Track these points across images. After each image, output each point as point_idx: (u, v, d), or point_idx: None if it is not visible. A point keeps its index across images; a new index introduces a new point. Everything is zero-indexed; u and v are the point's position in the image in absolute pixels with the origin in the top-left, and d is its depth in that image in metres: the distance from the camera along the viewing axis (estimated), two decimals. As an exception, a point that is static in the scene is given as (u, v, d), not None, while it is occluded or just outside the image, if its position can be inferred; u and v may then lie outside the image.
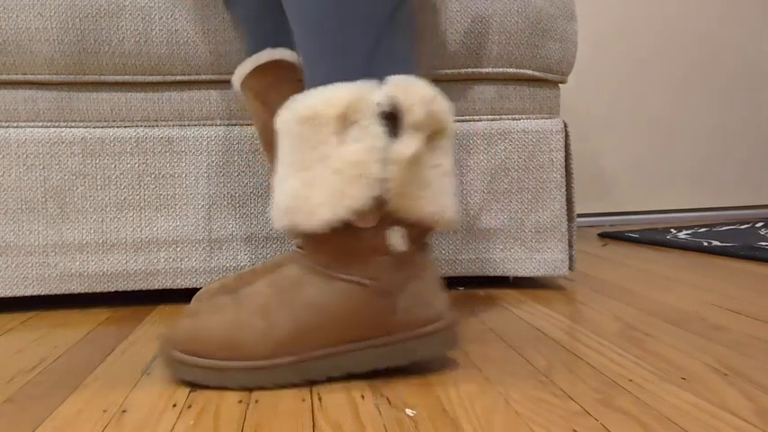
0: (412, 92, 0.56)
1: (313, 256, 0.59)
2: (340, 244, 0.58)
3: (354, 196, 0.55)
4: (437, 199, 0.58)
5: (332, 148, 0.55)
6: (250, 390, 0.58)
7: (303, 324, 0.57)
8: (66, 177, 0.89)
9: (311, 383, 0.59)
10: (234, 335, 0.58)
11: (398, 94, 0.56)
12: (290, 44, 0.80)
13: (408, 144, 0.56)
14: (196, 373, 0.58)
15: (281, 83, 0.78)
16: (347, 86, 0.55)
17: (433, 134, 0.58)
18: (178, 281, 0.91)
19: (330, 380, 0.60)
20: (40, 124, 0.89)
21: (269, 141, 0.80)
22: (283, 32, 0.79)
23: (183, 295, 0.94)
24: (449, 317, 0.61)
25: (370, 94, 0.56)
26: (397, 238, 0.58)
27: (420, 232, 0.60)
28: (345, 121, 0.55)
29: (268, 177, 0.92)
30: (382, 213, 0.57)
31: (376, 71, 0.57)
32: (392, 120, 0.56)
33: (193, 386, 0.59)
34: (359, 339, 0.59)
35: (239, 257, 0.92)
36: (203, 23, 0.88)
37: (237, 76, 0.81)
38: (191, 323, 0.60)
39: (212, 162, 0.91)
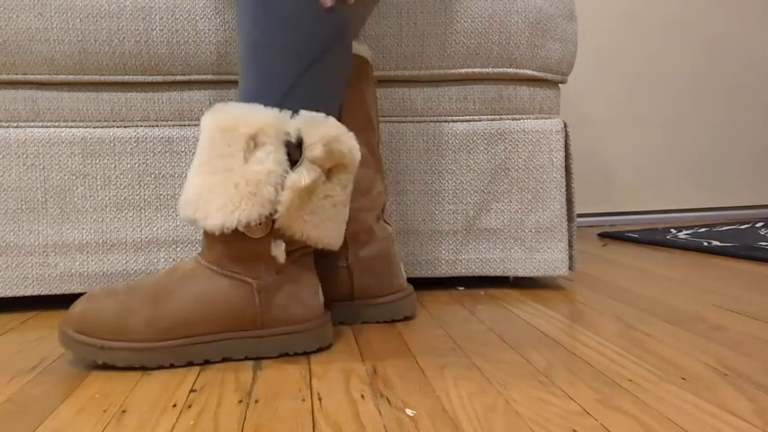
0: (317, 130, 0.63)
1: (206, 253, 0.67)
2: (229, 246, 0.65)
3: (246, 210, 0.62)
4: (322, 225, 0.66)
5: (237, 163, 0.62)
6: (135, 368, 0.64)
7: (187, 312, 0.64)
8: (66, 177, 0.89)
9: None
10: (121, 319, 0.64)
11: (304, 129, 0.63)
12: None
13: (304, 175, 0.63)
14: (84, 350, 0.64)
15: None
16: (265, 111, 0.63)
17: (333, 168, 0.66)
18: (178, 281, 0.91)
19: (330, 380, 0.60)
20: (40, 124, 0.89)
21: None
22: None
23: (183, 295, 0.94)
24: (321, 318, 0.69)
25: (282, 123, 0.63)
26: (279, 250, 0.66)
27: (302, 248, 0.68)
28: (255, 141, 0.63)
29: None
30: (270, 229, 0.65)
31: (294, 102, 0.65)
32: (298, 150, 0.64)
33: (84, 362, 0.66)
34: (237, 329, 0.66)
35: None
36: (203, 23, 0.88)
37: None
38: (86, 305, 0.65)
39: (212, 162, 0.91)
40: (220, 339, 0.66)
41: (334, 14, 0.66)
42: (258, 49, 0.65)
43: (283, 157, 0.63)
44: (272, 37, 0.65)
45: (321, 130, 0.63)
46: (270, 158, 0.62)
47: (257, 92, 0.65)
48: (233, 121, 0.62)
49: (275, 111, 0.63)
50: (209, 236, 0.66)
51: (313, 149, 0.63)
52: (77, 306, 0.65)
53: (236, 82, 0.92)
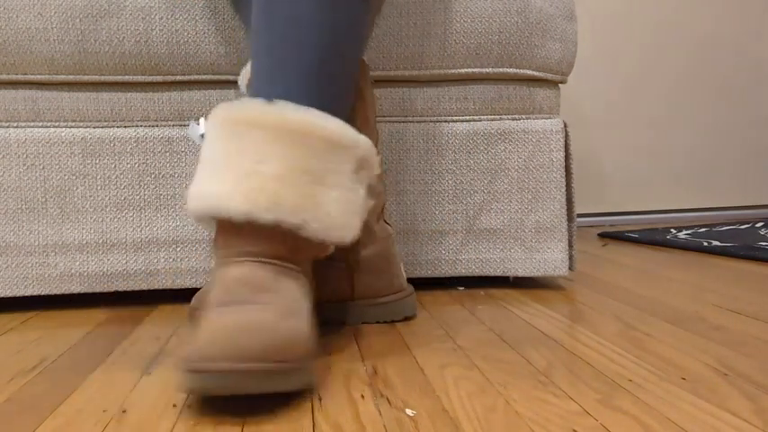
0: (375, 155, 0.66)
1: (265, 250, 0.61)
2: (299, 247, 0.62)
3: (355, 231, 0.63)
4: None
5: (354, 184, 0.63)
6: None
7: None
8: (67, 177, 0.89)
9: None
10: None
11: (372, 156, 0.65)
12: None
13: (369, 201, 0.66)
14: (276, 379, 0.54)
15: None
16: (365, 139, 0.64)
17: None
18: (178, 281, 0.91)
19: (330, 380, 0.60)
20: (40, 124, 0.89)
21: None
22: None
23: (183, 295, 0.94)
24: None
25: (372, 150, 0.65)
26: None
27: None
28: (360, 166, 0.64)
29: None
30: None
31: (327, 103, 0.65)
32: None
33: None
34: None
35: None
36: (203, 23, 0.88)
37: (243, 77, 0.81)
38: (223, 335, 0.53)
39: (212, 162, 0.91)
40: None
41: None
42: (301, 50, 0.64)
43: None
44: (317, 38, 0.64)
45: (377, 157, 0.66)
46: (363, 181, 0.64)
47: (291, 93, 0.63)
48: (348, 141, 0.62)
49: (368, 140, 0.64)
50: (277, 233, 0.60)
51: (375, 176, 0.66)
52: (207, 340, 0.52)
53: (235, 82, 0.92)
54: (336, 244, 0.62)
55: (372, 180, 0.67)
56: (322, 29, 0.64)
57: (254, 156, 0.59)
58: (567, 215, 0.99)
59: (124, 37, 0.87)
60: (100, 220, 0.90)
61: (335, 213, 0.61)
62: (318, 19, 0.63)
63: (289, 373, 0.53)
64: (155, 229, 0.91)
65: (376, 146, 0.83)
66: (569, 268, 0.98)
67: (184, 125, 0.92)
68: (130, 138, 0.90)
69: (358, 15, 0.67)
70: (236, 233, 0.60)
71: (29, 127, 0.89)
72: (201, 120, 0.69)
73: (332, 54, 0.65)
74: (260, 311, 0.54)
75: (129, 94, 0.90)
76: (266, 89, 0.63)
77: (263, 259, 0.60)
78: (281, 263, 0.61)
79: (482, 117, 0.96)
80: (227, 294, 0.56)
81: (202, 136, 0.67)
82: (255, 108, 0.60)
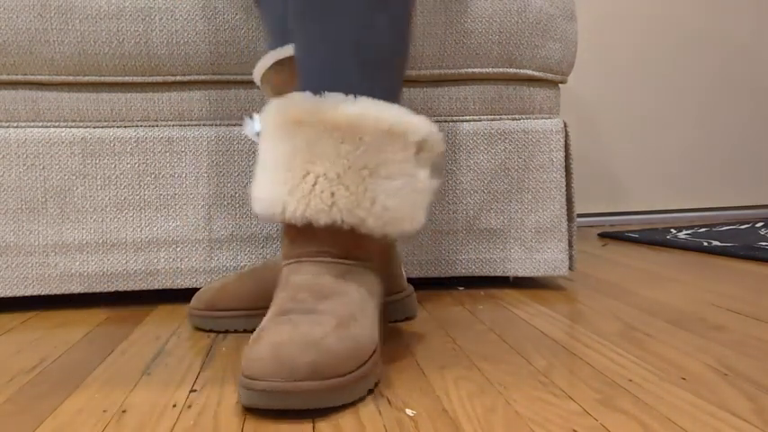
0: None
1: (331, 250, 0.61)
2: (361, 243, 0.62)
3: (419, 219, 0.62)
4: None
5: (415, 169, 0.60)
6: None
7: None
8: (66, 177, 0.89)
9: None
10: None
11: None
12: None
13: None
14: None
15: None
16: (422, 120, 0.61)
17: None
18: (178, 281, 0.91)
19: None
20: (40, 124, 0.89)
21: None
22: None
23: (183, 295, 0.94)
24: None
25: (435, 132, 0.63)
26: None
27: None
28: (420, 147, 0.61)
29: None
30: None
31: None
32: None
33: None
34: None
35: (239, 257, 0.92)
36: (203, 24, 0.88)
37: (258, 70, 0.81)
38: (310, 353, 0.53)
39: (212, 162, 0.92)
40: None
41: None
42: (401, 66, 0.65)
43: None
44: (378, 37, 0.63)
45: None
46: (428, 166, 0.62)
47: (389, 96, 0.63)
48: (402, 128, 0.59)
49: (426, 120, 0.62)
50: (337, 232, 0.60)
51: (439, 154, 0.64)
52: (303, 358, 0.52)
53: (235, 82, 0.92)
54: (399, 236, 0.61)
55: (437, 158, 0.64)
56: (372, 14, 0.61)
57: (305, 156, 0.58)
58: (567, 215, 0.99)
59: (124, 38, 0.87)
60: (100, 220, 0.90)
61: (394, 206, 0.59)
62: (367, 6, 0.61)
63: (338, 389, 0.52)
64: (155, 229, 0.91)
65: None
66: (569, 268, 0.98)
67: (184, 125, 0.92)
68: (130, 138, 0.90)
69: (402, 7, 0.65)
70: (298, 234, 0.60)
71: (29, 127, 0.89)
72: (256, 116, 0.67)
73: (381, 43, 0.62)
74: (315, 325, 0.54)
75: (129, 94, 0.90)
76: (315, 82, 0.61)
77: (327, 259, 0.60)
78: (345, 261, 0.60)
79: (482, 117, 0.96)
80: (289, 301, 0.57)
81: (258, 133, 0.65)
82: (304, 104, 0.59)
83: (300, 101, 0.60)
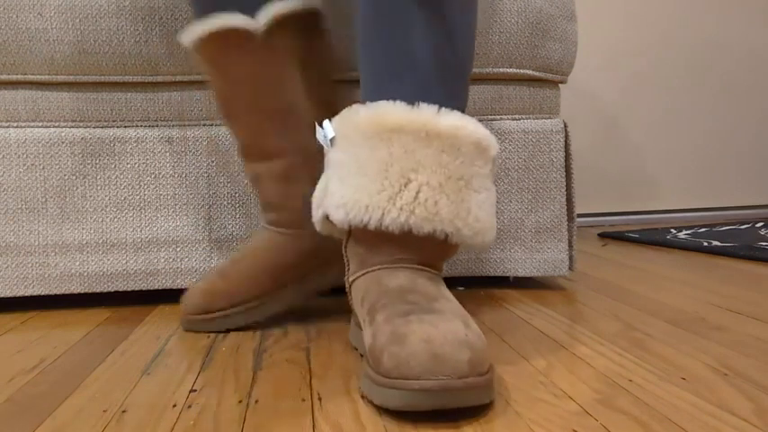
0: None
1: (421, 258, 0.61)
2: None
3: (495, 230, 0.64)
4: None
5: (491, 183, 0.63)
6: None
7: None
8: (66, 177, 0.89)
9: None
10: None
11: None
12: (239, 6, 0.73)
13: None
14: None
15: (240, 53, 0.73)
16: (493, 137, 0.63)
17: None
18: (178, 281, 0.91)
19: (330, 380, 0.60)
20: (40, 124, 0.89)
21: (230, 112, 0.77)
22: None
23: (183, 295, 0.94)
24: None
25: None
26: None
27: None
28: (493, 163, 0.63)
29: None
30: None
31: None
32: None
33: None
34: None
35: (239, 257, 0.92)
36: (203, 23, 0.88)
37: (188, 38, 0.75)
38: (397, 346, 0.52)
39: (212, 162, 0.92)
40: None
41: None
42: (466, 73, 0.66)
43: None
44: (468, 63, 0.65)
45: None
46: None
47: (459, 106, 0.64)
48: (487, 142, 0.61)
49: (489, 134, 0.62)
50: (429, 240, 0.60)
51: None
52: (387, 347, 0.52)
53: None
54: (481, 246, 0.62)
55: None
56: (452, 30, 0.62)
57: (405, 163, 0.58)
58: (567, 215, 0.99)
59: (124, 37, 0.87)
60: (100, 220, 0.90)
61: (483, 217, 0.61)
62: (449, 20, 0.62)
63: (489, 385, 0.52)
64: (155, 229, 0.91)
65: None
66: (569, 268, 0.98)
67: (184, 125, 0.92)
68: (130, 138, 0.90)
69: (475, 15, 0.66)
70: (385, 241, 0.60)
71: (29, 127, 0.89)
72: (326, 122, 0.65)
73: (460, 54, 0.63)
74: (450, 321, 0.53)
75: (129, 94, 0.90)
76: (389, 91, 0.61)
77: (417, 266, 0.60)
78: (430, 270, 0.61)
79: (482, 117, 0.96)
80: (404, 303, 0.55)
81: (331, 140, 0.64)
82: (401, 112, 0.59)
83: (393, 108, 0.59)
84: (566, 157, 0.98)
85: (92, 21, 0.86)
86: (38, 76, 0.88)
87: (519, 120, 0.97)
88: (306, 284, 0.80)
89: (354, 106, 0.62)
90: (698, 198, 1.96)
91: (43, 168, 0.89)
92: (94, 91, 0.90)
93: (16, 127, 0.89)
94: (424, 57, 0.61)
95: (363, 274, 0.61)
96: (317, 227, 0.67)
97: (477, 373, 0.50)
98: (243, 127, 0.77)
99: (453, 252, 0.63)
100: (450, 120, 0.59)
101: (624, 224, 1.87)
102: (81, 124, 0.90)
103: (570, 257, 0.99)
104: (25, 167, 0.88)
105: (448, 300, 0.58)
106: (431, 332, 0.51)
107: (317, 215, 0.66)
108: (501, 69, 0.95)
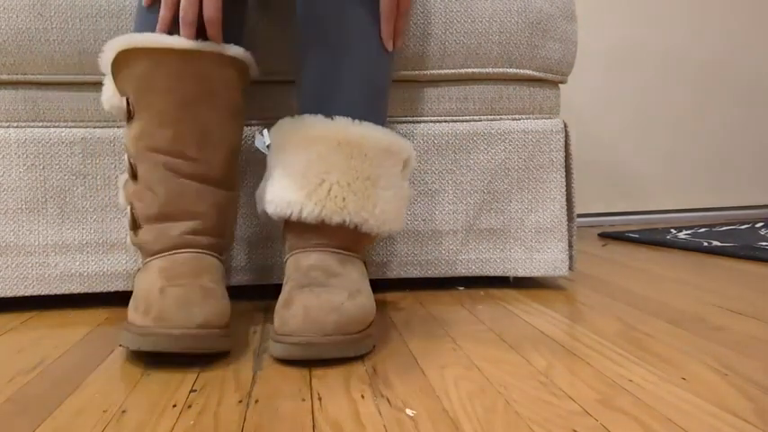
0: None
1: (330, 242, 0.73)
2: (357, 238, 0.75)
3: (402, 221, 0.78)
4: None
5: (401, 181, 0.76)
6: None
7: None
8: (66, 177, 0.89)
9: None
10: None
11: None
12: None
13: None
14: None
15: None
16: (407, 142, 0.77)
17: None
18: (178, 281, 0.91)
19: (330, 380, 0.60)
20: (40, 124, 0.89)
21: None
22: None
23: (183, 295, 0.94)
24: None
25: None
26: None
27: None
28: (405, 165, 0.77)
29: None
30: None
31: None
32: None
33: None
34: None
35: (239, 257, 0.92)
36: (203, 23, 0.88)
37: (111, 54, 0.72)
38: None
39: (212, 162, 0.91)
40: None
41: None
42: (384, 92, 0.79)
43: None
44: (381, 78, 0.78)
45: None
46: (408, 180, 0.79)
47: (378, 119, 0.77)
48: (397, 147, 0.74)
49: (408, 141, 0.77)
50: (341, 229, 0.72)
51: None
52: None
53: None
54: (387, 234, 0.75)
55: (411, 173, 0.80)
56: (368, 54, 0.76)
57: (320, 166, 0.70)
58: (567, 215, 0.99)
59: (124, 37, 0.87)
60: (100, 220, 0.90)
61: (388, 210, 0.73)
62: (364, 46, 0.75)
63: (356, 342, 0.66)
64: (155, 229, 0.90)
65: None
66: (569, 268, 0.98)
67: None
68: (130, 138, 0.90)
69: (392, 57, 0.80)
70: (307, 229, 0.72)
71: (29, 127, 0.89)
72: (265, 131, 0.77)
73: (380, 83, 0.77)
74: (332, 293, 0.66)
75: (129, 94, 0.90)
76: (325, 107, 0.74)
77: (330, 249, 0.72)
78: (344, 252, 0.72)
79: (482, 117, 0.96)
80: (305, 278, 0.68)
81: (268, 146, 0.76)
82: (319, 124, 0.71)
83: (314, 121, 0.72)
84: (566, 157, 0.99)
85: (92, 20, 0.86)
86: (38, 76, 0.88)
87: (519, 120, 0.97)
88: None
89: (286, 118, 0.75)
90: (698, 198, 1.96)
91: (43, 168, 0.89)
92: (94, 91, 0.90)
93: (16, 127, 0.89)
94: (351, 81, 0.75)
95: (290, 256, 0.73)
96: (261, 218, 0.77)
97: (341, 332, 0.64)
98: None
99: (368, 239, 0.75)
100: (360, 130, 0.71)
101: (624, 224, 1.87)
102: (81, 124, 0.90)
103: (570, 257, 0.99)
104: (25, 167, 0.88)
105: (346, 276, 0.69)
106: (311, 300, 0.64)
107: (259, 209, 0.77)
108: (501, 69, 0.95)
